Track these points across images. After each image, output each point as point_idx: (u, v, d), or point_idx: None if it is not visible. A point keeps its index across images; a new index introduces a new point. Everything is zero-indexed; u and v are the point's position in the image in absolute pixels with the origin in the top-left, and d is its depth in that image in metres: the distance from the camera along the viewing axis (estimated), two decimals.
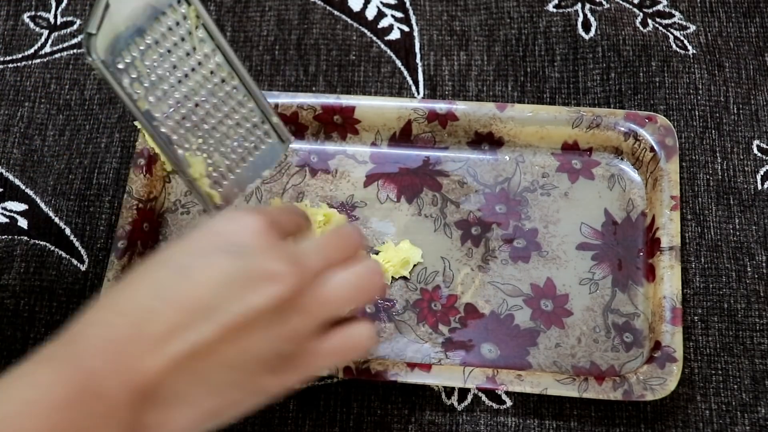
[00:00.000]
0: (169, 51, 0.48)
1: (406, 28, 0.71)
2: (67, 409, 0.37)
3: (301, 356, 0.43)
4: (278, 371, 0.42)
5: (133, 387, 0.39)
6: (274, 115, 0.52)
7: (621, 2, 0.71)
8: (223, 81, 0.51)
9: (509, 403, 0.57)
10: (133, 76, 0.48)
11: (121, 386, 0.39)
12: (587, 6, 0.71)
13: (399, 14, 0.72)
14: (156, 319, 0.40)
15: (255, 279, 0.41)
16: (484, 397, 0.57)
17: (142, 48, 0.47)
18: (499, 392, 0.57)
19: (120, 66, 0.47)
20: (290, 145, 0.54)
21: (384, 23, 0.72)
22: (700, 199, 0.63)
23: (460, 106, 0.64)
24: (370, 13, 0.72)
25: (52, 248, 0.63)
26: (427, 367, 0.56)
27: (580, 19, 0.71)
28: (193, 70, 0.49)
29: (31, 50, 0.71)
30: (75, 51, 0.71)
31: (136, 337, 0.40)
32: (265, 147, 0.53)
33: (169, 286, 0.41)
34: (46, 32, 0.72)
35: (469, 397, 0.58)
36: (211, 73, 0.50)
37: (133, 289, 0.42)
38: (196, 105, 0.50)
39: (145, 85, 0.48)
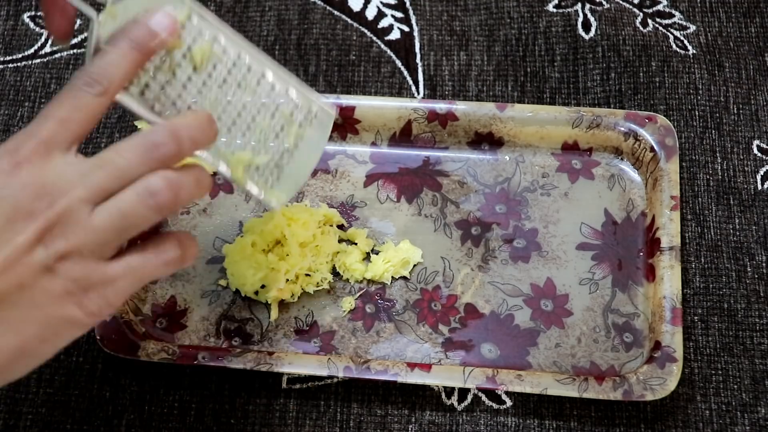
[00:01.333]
0: (184, 56, 0.47)
1: (406, 28, 0.71)
2: None
3: (95, 281, 0.42)
4: (76, 299, 0.42)
5: None
6: (309, 90, 0.51)
7: (621, 2, 0.71)
8: (249, 71, 0.49)
9: (509, 403, 0.57)
10: (150, 96, 0.46)
11: None
12: (587, 6, 0.71)
13: (399, 14, 0.72)
14: None
15: (11, 220, 0.41)
16: (484, 397, 0.57)
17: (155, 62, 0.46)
18: (499, 392, 0.57)
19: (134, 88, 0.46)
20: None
21: (384, 23, 0.72)
22: (700, 199, 0.63)
23: (460, 106, 0.64)
24: (370, 13, 0.72)
25: None
26: (427, 367, 0.56)
27: (580, 19, 0.71)
28: (214, 67, 0.47)
29: (31, 50, 0.71)
30: (75, 51, 0.71)
31: None
32: (311, 128, 0.51)
33: None
34: (46, 32, 0.72)
35: (469, 397, 0.58)
36: (233, 65, 0.48)
37: None
38: (229, 103, 0.48)
39: (169, 101, 0.46)
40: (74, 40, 0.71)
